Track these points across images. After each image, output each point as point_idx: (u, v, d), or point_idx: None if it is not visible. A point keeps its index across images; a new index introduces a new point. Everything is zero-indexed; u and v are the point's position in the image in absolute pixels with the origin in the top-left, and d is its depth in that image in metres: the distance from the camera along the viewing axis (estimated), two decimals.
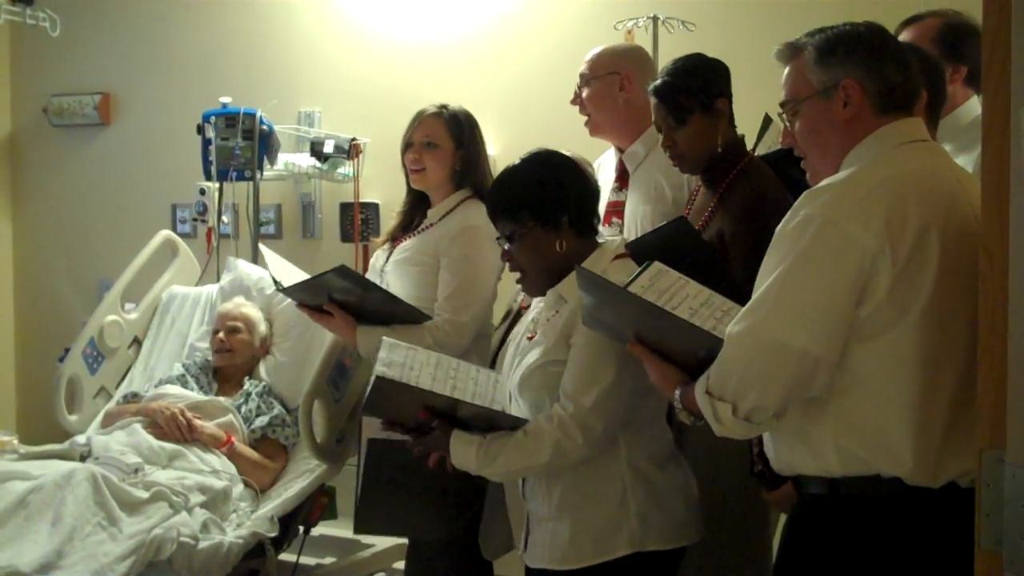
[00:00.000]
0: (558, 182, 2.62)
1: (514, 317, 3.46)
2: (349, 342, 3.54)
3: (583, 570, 2.56)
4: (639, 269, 2.31)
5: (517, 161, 2.67)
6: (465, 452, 2.55)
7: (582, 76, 3.62)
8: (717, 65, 3.14)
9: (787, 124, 2.25)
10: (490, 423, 2.58)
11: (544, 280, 2.62)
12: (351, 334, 3.44)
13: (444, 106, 3.68)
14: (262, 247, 3.88)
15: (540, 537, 2.65)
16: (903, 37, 2.98)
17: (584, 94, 3.60)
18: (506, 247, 2.64)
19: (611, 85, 3.56)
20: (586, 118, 3.63)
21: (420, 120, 3.67)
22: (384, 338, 2.88)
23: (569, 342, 2.52)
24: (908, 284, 2.00)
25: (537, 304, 2.77)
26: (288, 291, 3.55)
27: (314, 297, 3.49)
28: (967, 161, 2.77)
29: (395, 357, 2.77)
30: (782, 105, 2.24)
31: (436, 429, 2.59)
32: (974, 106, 3.02)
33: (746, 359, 2.04)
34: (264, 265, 4.26)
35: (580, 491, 2.57)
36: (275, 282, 3.57)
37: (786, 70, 2.23)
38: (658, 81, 3.12)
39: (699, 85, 3.07)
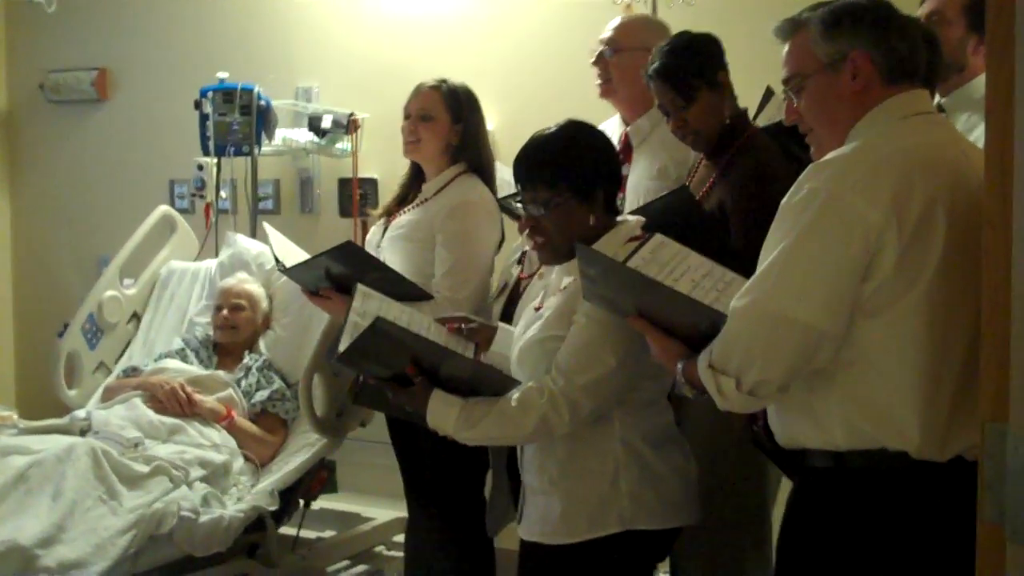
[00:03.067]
0: (597, 154, 2.60)
1: (512, 289, 3.46)
2: None
3: (573, 545, 2.55)
4: (640, 241, 2.30)
5: (552, 128, 2.61)
6: (444, 413, 2.51)
7: (611, 41, 3.57)
8: (711, 39, 3.14)
9: (791, 100, 2.23)
10: (473, 386, 2.54)
11: (565, 251, 2.56)
12: None
13: (444, 80, 3.68)
14: (265, 225, 3.87)
15: (533, 510, 2.65)
16: (926, 7, 2.97)
17: (612, 60, 3.56)
18: (535, 213, 2.57)
19: (642, 59, 3.53)
20: (599, 81, 3.60)
21: (418, 92, 3.68)
22: (359, 286, 2.85)
23: (572, 319, 2.50)
24: (914, 258, 2.00)
25: (546, 275, 2.76)
26: (290, 272, 3.54)
27: (315, 278, 3.48)
28: (983, 133, 2.77)
29: (369, 307, 2.74)
30: (785, 82, 2.22)
31: (417, 384, 2.54)
32: None
33: (750, 333, 2.04)
34: (265, 240, 4.26)
35: (573, 466, 2.56)
36: (277, 261, 3.56)
37: (787, 46, 2.22)
38: (657, 64, 3.11)
39: (701, 61, 3.08)
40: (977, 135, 2.83)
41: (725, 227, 2.94)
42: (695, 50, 3.09)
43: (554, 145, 2.58)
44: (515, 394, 2.50)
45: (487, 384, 2.55)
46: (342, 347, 2.56)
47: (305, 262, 3.50)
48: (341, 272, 3.38)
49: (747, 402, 2.08)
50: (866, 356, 2.04)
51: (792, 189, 2.08)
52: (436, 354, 2.55)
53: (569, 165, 2.54)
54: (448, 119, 3.63)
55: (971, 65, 2.95)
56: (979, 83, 2.97)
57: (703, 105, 3.07)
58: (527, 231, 2.62)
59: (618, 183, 2.67)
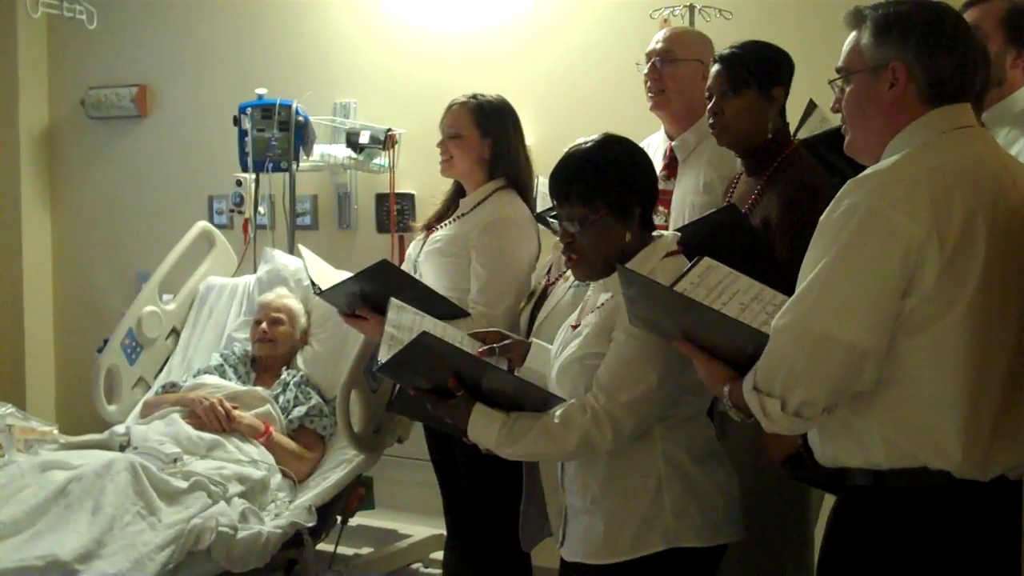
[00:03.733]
0: (634, 169, 2.57)
1: (539, 296, 3.45)
2: None
3: (617, 565, 2.52)
4: (688, 265, 2.28)
5: (588, 142, 2.58)
6: (486, 427, 2.49)
7: (665, 52, 3.55)
8: (786, 56, 3.15)
9: (838, 91, 2.22)
10: (514, 400, 2.52)
11: (600, 269, 2.55)
12: None
13: (474, 96, 3.68)
14: (301, 248, 3.87)
15: (576, 530, 2.62)
16: (967, 17, 2.94)
17: (666, 70, 3.53)
18: (570, 229, 2.55)
19: (695, 71, 3.52)
20: (651, 93, 3.57)
21: (448, 111, 3.70)
22: (392, 300, 2.85)
23: (611, 335, 2.48)
24: (956, 274, 1.97)
25: (576, 288, 2.74)
26: (325, 294, 3.53)
27: (350, 299, 3.48)
28: None
29: (403, 320, 2.75)
30: (837, 71, 2.21)
31: (459, 398, 2.52)
32: None
33: (792, 353, 2.01)
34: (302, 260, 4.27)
35: (616, 484, 2.53)
36: (313, 284, 3.55)
37: (851, 35, 2.19)
38: (726, 50, 3.13)
39: (763, 65, 3.09)
40: (1017, 149, 2.80)
41: (770, 243, 2.92)
42: (763, 54, 3.12)
43: (590, 160, 2.55)
44: (557, 411, 2.48)
45: (528, 400, 2.53)
46: (383, 359, 2.57)
47: (340, 283, 3.48)
48: (376, 291, 3.37)
49: (793, 424, 2.06)
50: (907, 374, 2.02)
51: (831, 204, 2.05)
52: (478, 368, 2.55)
53: (605, 180, 2.52)
54: (476, 134, 3.63)
55: (1010, 79, 2.91)
56: (1019, 97, 2.94)
57: (745, 104, 3.07)
58: (562, 247, 2.61)
59: (655, 199, 2.64)
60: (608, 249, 2.52)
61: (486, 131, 3.63)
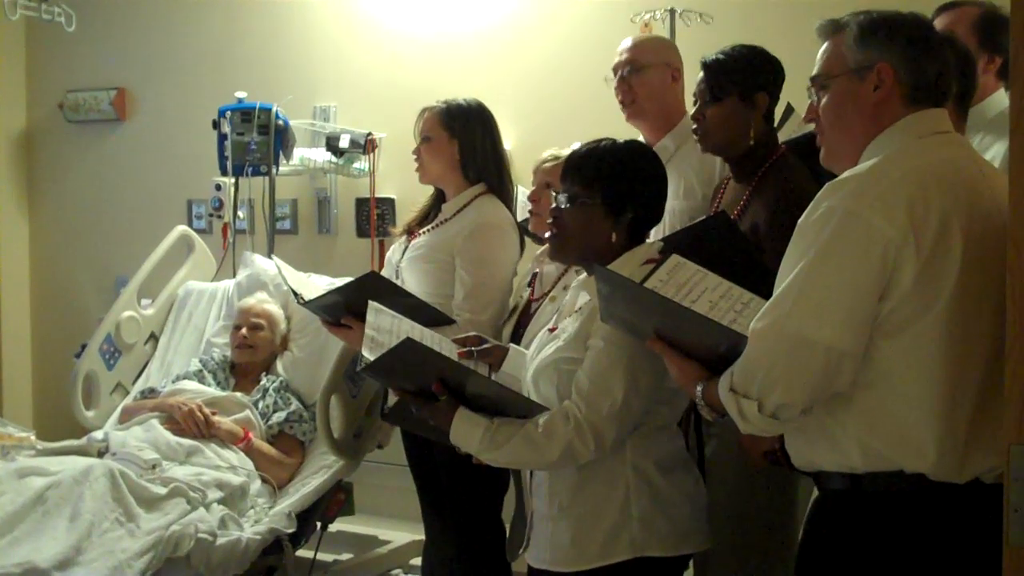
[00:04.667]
0: (643, 179, 2.61)
1: (522, 311, 3.45)
2: None
3: (584, 573, 2.53)
4: (656, 262, 2.28)
5: (619, 141, 2.64)
6: (469, 432, 2.50)
7: (631, 61, 3.57)
8: (771, 61, 3.13)
9: (813, 99, 2.22)
10: (497, 405, 2.53)
11: (575, 252, 2.60)
12: None
13: (446, 100, 3.68)
14: (275, 259, 3.86)
15: (541, 536, 2.63)
16: (940, 22, 2.96)
17: (635, 80, 3.55)
18: (561, 204, 2.58)
19: (664, 75, 3.55)
20: (623, 105, 3.59)
21: (420, 116, 3.71)
22: (371, 303, 2.85)
23: (587, 343, 2.49)
24: (932, 277, 1.98)
25: (559, 297, 2.74)
26: (309, 304, 3.52)
27: (335, 309, 3.46)
28: (999, 152, 2.74)
29: (382, 323, 2.76)
30: (813, 79, 2.21)
31: (442, 401, 2.53)
32: (1002, 98, 2.99)
33: (771, 355, 2.02)
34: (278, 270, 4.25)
35: (583, 493, 2.54)
36: (295, 294, 3.54)
37: (824, 45, 2.21)
38: (711, 56, 3.12)
39: (745, 72, 3.07)
40: (991, 155, 2.81)
41: (760, 249, 2.92)
42: (746, 60, 3.10)
43: (608, 153, 2.60)
44: (540, 419, 2.48)
45: (512, 406, 2.54)
46: (366, 360, 2.58)
47: (326, 293, 3.47)
48: (362, 302, 3.36)
49: (770, 425, 2.06)
50: (884, 377, 2.03)
51: (809, 208, 2.06)
52: (462, 374, 2.56)
53: (612, 174, 2.56)
54: (445, 136, 3.65)
55: (982, 84, 2.92)
56: (991, 103, 2.95)
57: (725, 111, 3.07)
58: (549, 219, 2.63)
59: (652, 216, 2.66)
60: (589, 238, 2.56)
61: (453, 132, 3.64)
